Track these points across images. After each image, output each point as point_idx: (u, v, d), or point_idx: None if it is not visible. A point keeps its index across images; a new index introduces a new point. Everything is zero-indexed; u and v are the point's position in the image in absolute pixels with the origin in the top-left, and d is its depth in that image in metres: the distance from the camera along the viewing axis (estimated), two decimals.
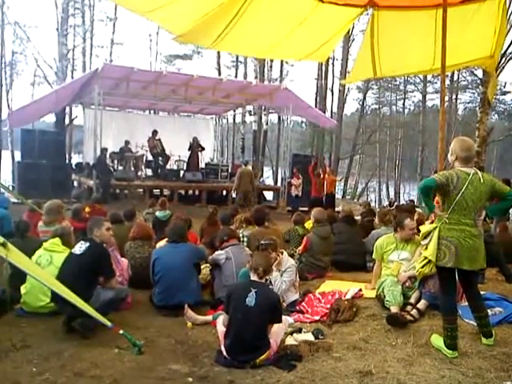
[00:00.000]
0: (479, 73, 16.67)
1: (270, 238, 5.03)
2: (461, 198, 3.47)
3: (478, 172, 3.55)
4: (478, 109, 13.74)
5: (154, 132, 16.00)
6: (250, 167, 14.10)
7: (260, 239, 5.21)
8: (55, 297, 3.93)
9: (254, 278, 3.84)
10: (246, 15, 5.67)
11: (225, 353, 3.62)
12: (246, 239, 6.42)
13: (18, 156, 18.70)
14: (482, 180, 3.50)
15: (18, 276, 4.34)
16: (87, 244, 4.24)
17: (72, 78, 23.43)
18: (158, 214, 7.83)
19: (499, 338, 3.76)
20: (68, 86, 15.39)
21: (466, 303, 3.90)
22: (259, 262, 3.90)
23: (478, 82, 20.07)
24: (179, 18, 5.74)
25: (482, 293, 3.96)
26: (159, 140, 16.04)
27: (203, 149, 16.66)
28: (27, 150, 14.30)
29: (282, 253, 5.02)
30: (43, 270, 4.36)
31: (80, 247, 4.22)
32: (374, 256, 5.35)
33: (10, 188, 13.23)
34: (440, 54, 5.61)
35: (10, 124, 17.50)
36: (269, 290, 3.97)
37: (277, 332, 3.76)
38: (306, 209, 12.32)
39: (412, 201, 15.31)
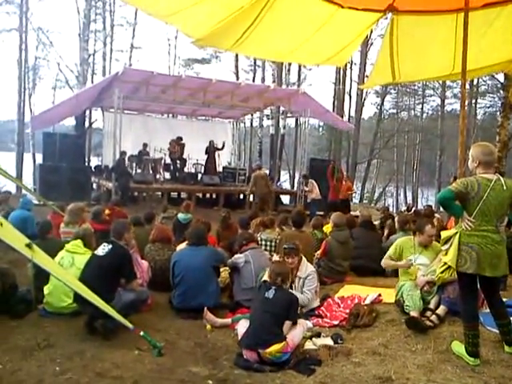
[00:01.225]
0: (500, 77, 16.46)
1: (293, 242, 5.04)
2: (482, 205, 3.43)
3: (501, 178, 3.50)
4: (498, 113, 13.58)
5: (179, 138, 16.17)
6: (264, 171, 14.13)
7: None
8: (77, 297, 4.00)
9: None
10: (266, 19, 5.69)
11: (242, 345, 3.75)
12: (264, 242, 6.45)
13: (39, 159, 19.01)
14: (504, 186, 3.45)
15: (41, 277, 4.43)
16: (110, 246, 4.30)
17: (92, 82, 23.71)
18: (179, 216, 7.87)
19: None
20: (88, 90, 15.60)
21: (488, 310, 3.85)
22: (277, 272, 4.03)
23: (499, 86, 19.83)
24: (199, 22, 5.78)
25: (504, 300, 3.90)
26: (180, 145, 16.17)
27: (222, 147, 16.69)
28: (48, 153, 14.57)
29: (301, 258, 5.02)
30: (66, 271, 4.43)
31: (103, 249, 4.29)
32: (390, 252, 5.09)
33: (32, 190, 13.45)
34: (460, 59, 5.55)
35: (32, 127, 17.79)
36: (288, 291, 4.14)
37: (293, 332, 3.84)
38: (321, 213, 12.30)
39: (430, 206, 15.14)
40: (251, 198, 15.02)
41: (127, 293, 4.25)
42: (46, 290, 4.56)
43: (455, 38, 5.93)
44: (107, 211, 8.04)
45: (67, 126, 27.53)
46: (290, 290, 4.45)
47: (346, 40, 6.56)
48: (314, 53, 6.86)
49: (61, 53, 38.87)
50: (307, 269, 4.96)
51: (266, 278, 4.33)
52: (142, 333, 3.81)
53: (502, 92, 14.51)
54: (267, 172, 17.06)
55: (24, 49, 23.71)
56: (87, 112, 21.47)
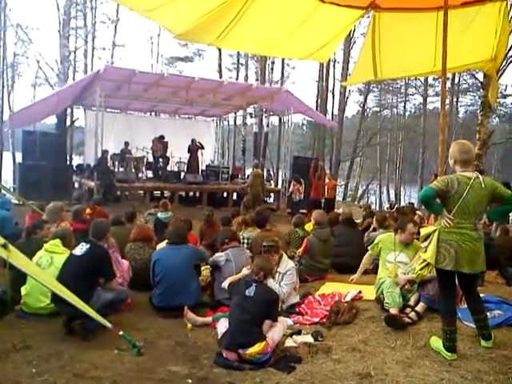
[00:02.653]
0: (480, 76, 16.70)
1: (272, 239, 5.03)
2: (462, 203, 3.46)
3: (480, 176, 3.54)
4: (478, 112, 13.75)
5: (162, 136, 16.11)
6: (259, 170, 14.31)
7: (261, 242, 5.21)
8: (55, 298, 3.94)
9: None
10: (248, 14, 5.67)
11: (221, 345, 3.72)
12: (246, 241, 6.43)
13: (19, 157, 18.73)
14: (483, 184, 3.49)
15: (19, 277, 4.36)
16: (88, 245, 4.26)
17: (73, 79, 23.47)
18: (159, 215, 7.83)
19: (498, 341, 3.75)
20: (69, 88, 15.41)
21: (466, 306, 3.90)
22: (261, 266, 4.01)
23: (479, 84, 20.10)
24: (180, 17, 5.73)
25: (481, 295, 3.95)
26: (163, 144, 16.09)
27: (203, 147, 16.65)
28: (28, 152, 14.35)
29: (282, 255, 5.03)
30: (44, 271, 4.37)
31: (81, 248, 4.24)
32: (369, 248, 5.24)
33: (11, 189, 13.26)
34: (441, 57, 5.61)
35: (11, 125, 17.51)
36: (268, 288, 4.11)
37: (274, 330, 3.83)
38: (304, 211, 12.35)
39: (412, 203, 15.29)
40: (234, 196, 15.05)
41: (106, 292, 4.22)
42: (23, 290, 4.49)
43: (436, 36, 5.98)
44: (88, 210, 7.95)
45: (48, 125, 27.15)
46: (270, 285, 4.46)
47: (328, 36, 6.57)
48: (296, 47, 6.85)
49: (41, 50, 38.28)
50: (287, 265, 4.98)
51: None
52: (121, 332, 3.77)
53: (481, 91, 14.72)
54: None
55: (2, 45, 23.37)
56: (69, 110, 21.22)
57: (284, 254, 5.08)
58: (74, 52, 25.94)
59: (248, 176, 14.26)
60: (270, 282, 4.66)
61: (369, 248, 5.36)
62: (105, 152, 13.98)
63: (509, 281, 6.17)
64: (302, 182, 14.11)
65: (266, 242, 4.99)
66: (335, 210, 12.01)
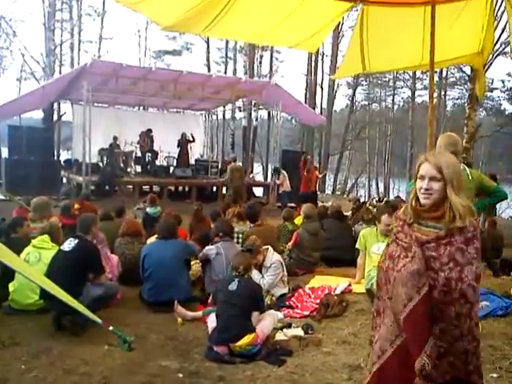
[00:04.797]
0: (467, 69, 16.80)
1: (250, 243, 5.00)
2: None
3: (466, 168, 3.57)
4: (466, 105, 13.84)
5: (149, 130, 16.02)
6: (238, 163, 14.21)
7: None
8: (44, 294, 3.91)
9: None
10: (238, 3, 5.63)
11: (212, 341, 3.73)
12: (236, 235, 6.39)
13: (4, 152, 18.48)
14: (470, 177, 3.52)
15: (6, 273, 4.32)
16: (76, 241, 4.23)
17: (60, 73, 23.20)
18: (148, 210, 7.79)
19: (485, 332, 3.82)
20: (55, 82, 15.23)
21: None
22: (239, 261, 4.10)
23: (466, 78, 20.23)
24: (169, 9, 5.66)
25: None
26: (150, 138, 16.02)
27: (193, 140, 16.57)
28: (14, 147, 14.23)
29: (268, 249, 5.05)
30: (32, 267, 4.33)
31: (69, 244, 4.21)
32: (357, 245, 5.44)
33: None
34: (428, 50, 5.63)
35: None
36: (251, 281, 4.19)
37: (263, 324, 3.85)
38: (294, 205, 12.37)
39: (399, 197, 15.40)
40: (224, 191, 15.03)
41: (95, 287, 4.20)
42: (11, 286, 4.44)
43: (423, 30, 5.99)
44: (76, 205, 7.89)
45: (35, 119, 26.81)
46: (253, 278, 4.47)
47: (317, 26, 6.53)
48: (285, 36, 6.80)
49: (25, 43, 37.58)
50: (272, 258, 5.04)
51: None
52: (111, 327, 3.76)
53: (469, 84, 14.83)
54: (241, 164, 17.07)
55: None
56: (55, 105, 20.99)
57: (270, 248, 5.10)
58: (60, 45, 25.62)
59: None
60: (254, 275, 4.71)
61: (356, 245, 5.47)
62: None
63: (496, 272, 6.24)
64: (283, 173, 14.16)
65: (245, 246, 5.04)
66: (324, 204, 12.05)
